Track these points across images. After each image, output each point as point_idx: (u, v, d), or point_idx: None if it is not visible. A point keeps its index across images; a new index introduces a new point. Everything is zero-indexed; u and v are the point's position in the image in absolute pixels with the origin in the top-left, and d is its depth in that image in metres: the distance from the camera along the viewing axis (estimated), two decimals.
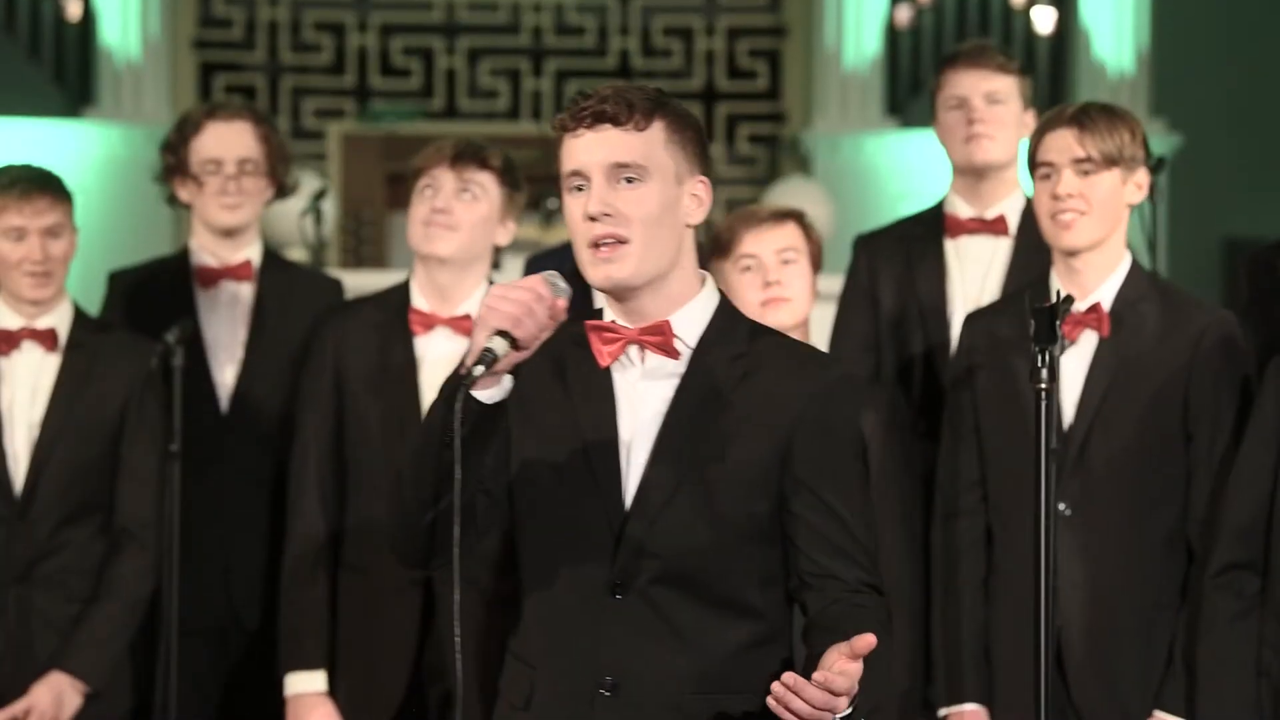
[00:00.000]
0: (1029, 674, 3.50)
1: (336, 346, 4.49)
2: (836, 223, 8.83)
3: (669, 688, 3.00)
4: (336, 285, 4.99)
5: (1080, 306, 4.17)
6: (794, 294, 4.33)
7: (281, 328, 4.84)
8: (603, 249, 3.00)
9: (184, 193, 4.91)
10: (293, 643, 4.46)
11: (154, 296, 4.88)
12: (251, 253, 4.92)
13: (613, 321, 3.06)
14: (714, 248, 4.41)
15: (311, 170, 8.92)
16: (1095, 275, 4.20)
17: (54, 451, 4.54)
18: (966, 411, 4.29)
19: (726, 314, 3.10)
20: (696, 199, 3.07)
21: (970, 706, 4.25)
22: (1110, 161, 4.14)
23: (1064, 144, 4.16)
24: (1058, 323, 3.60)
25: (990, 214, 4.81)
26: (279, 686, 4.51)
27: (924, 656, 4.38)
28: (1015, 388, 4.14)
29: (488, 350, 2.88)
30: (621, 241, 3.00)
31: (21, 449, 4.55)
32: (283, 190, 4.96)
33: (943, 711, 4.29)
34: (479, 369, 2.87)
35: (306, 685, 4.45)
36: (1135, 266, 4.24)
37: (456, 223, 4.41)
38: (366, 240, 10.61)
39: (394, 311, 4.48)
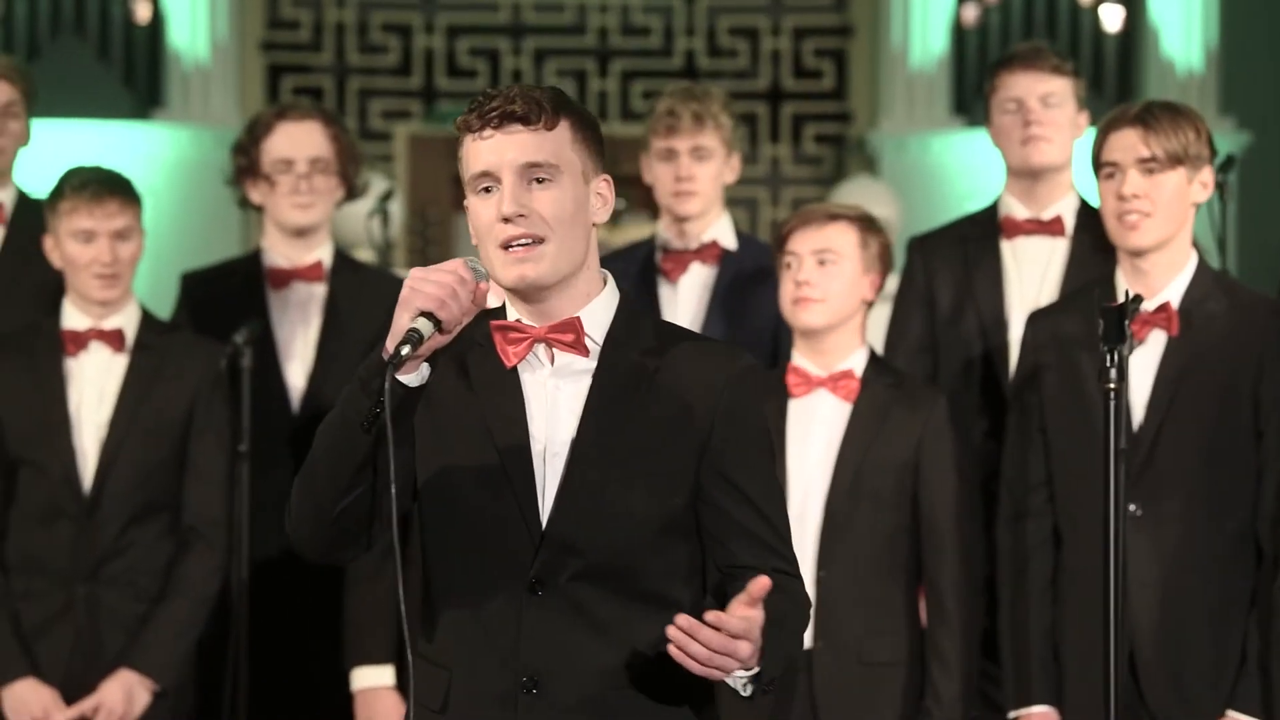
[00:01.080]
0: (1099, 674, 3.49)
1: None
2: (903, 223, 8.80)
3: (592, 684, 2.97)
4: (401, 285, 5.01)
5: (1149, 306, 4.15)
6: (826, 294, 4.32)
7: (352, 329, 4.85)
8: (517, 249, 2.98)
9: (255, 194, 4.93)
10: (358, 637, 4.48)
11: (225, 297, 4.91)
12: (323, 254, 4.94)
13: (518, 320, 3.04)
14: (774, 243, 4.44)
15: (378, 171, 8.95)
16: (1162, 275, 4.18)
17: (121, 451, 4.57)
18: (1033, 411, 4.27)
19: (629, 312, 3.09)
20: (601, 197, 3.06)
21: (1040, 708, 4.23)
22: (1175, 160, 4.12)
23: (1128, 143, 4.14)
24: (1127, 322, 3.59)
25: (1046, 215, 4.79)
26: (345, 682, 4.54)
27: (980, 661, 4.38)
28: (1082, 387, 4.12)
29: (413, 330, 2.85)
30: (538, 241, 2.98)
31: (90, 449, 4.58)
32: (353, 191, 4.97)
33: (1012, 714, 4.27)
34: (405, 349, 2.84)
35: (374, 680, 4.48)
36: (1202, 265, 4.22)
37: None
38: (433, 241, 10.64)
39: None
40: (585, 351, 3.03)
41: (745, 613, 2.81)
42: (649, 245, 5.09)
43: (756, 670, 2.87)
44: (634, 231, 7.18)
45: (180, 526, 4.61)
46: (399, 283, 4.91)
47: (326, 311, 4.89)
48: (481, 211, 3.00)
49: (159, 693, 4.55)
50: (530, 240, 2.98)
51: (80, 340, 4.61)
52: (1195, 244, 4.25)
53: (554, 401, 3.02)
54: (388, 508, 2.92)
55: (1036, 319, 4.37)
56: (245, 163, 4.91)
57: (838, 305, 4.33)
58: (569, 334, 3.02)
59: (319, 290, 4.91)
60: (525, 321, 3.03)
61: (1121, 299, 3.80)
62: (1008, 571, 4.28)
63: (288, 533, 3.03)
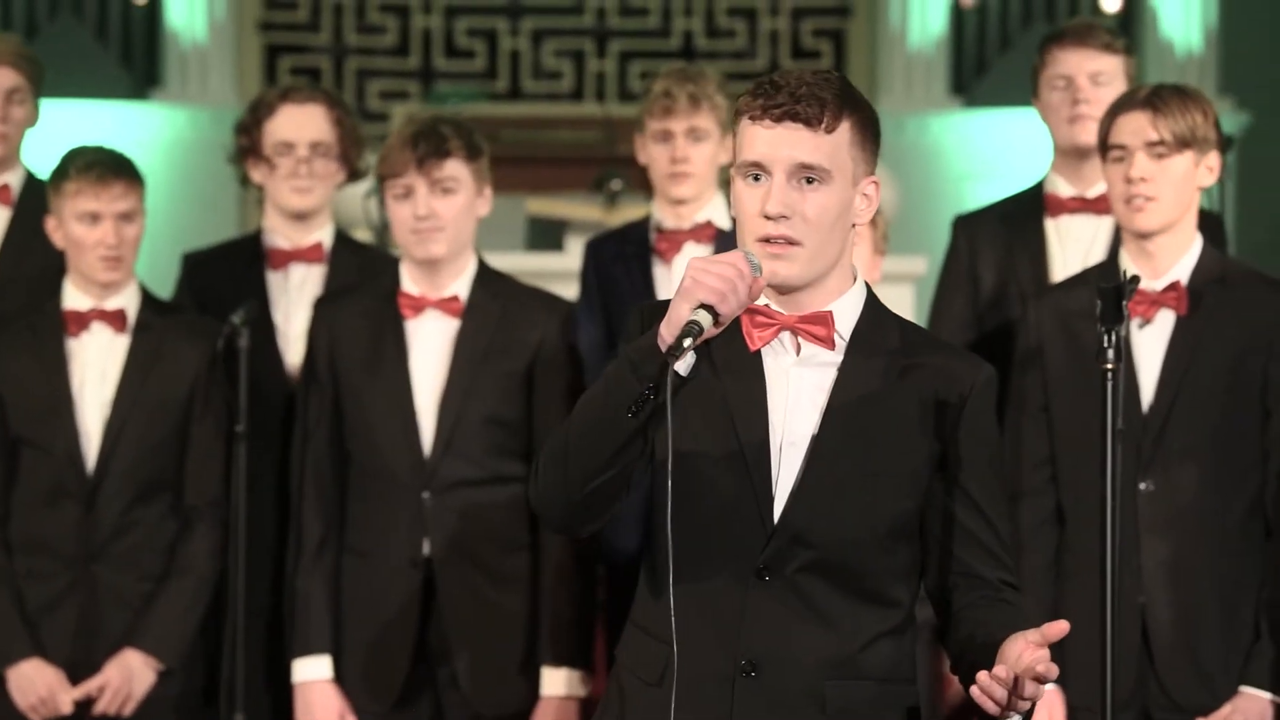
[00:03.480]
0: (1101, 653, 3.51)
1: (330, 334, 4.52)
2: (901, 203, 8.80)
3: (810, 673, 2.99)
4: (396, 261, 5.01)
5: (1157, 285, 4.17)
6: None
7: None
8: (773, 245, 2.97)
9: (256, 174, 4.93)
10: (298, 629, 4.49)
11: (226, 278, 4.91)
12: (323, 235, 4.94)
13: (767, 305, 3.03)
14: None
15: (376, 152, 8.94)
16: (1168, 256, 4.20)
17: (124, 431, 4.58)
18: (1034, 390, 4.29)
19: (876, 308, 3.09)
20: (867, 199, 3.04)
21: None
22: (1183, 144, 4.13)
23: (1137, 126, 4.16)
24: (1124, 302, 3.60)
25: (1092, 193, 4.77)
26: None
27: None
28: (1086, 366, 4.13)
29: (693, 323, 2.84)
30: (793, 243, 2.97)
31: (93, 429, 4.59)
32: (355, 174, 4.98)
33: None
34: (687, 340, 2.83)
35: (311, 672, 4.47)
36: (1207, 246, 4.24)
37: (443, 222, 4.43)
38: None
39: (384, 296, 4.51)
40: (833, 345, 3.02)
41: (1034, 656, 2.83)
42: (644, 225, 5.10)
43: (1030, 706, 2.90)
44: (631, 211, 7.18)
45: (182, 506, 4.62)
46: (396, 262, 4.95)
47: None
48: (746, 200, 2.99)
49: (164, 671, 4.57)
50: (786, 241, 2.97)
51: (82, 321, 4.62)
52: (1204, 223, 4.27)
53: (797, 391, 3.02)
54: (644, 490, 2.94)
55: (1041, 298, 4.38)
56: (247, 143, 4.91)
57: None
58: (820, 327, 3.01)
59: (318, 271, 4.92)
60: (774, 308, 3.02)
61: (1121, 279, 3.81)
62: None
63: (530, 500, 3.05)
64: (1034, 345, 4.32)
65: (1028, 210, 4.85)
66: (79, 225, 4.57)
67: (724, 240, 5.00)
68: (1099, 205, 4.75)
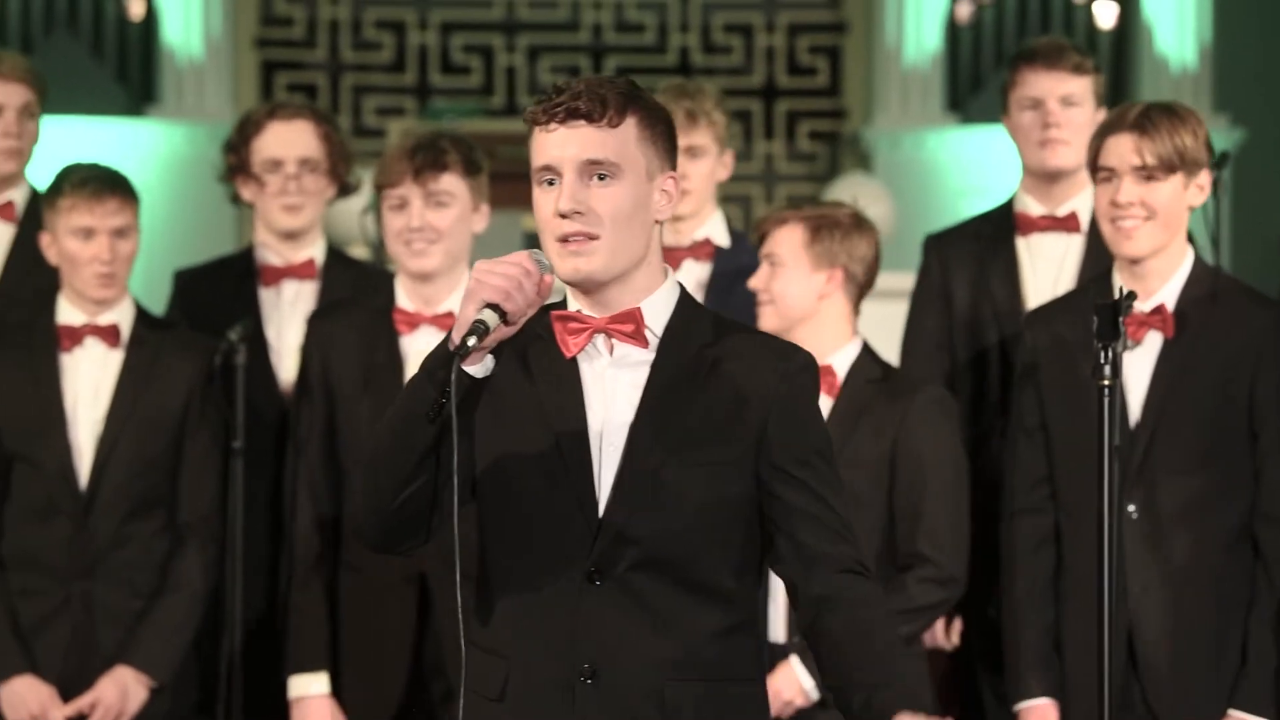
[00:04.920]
0: (1096, 672, 3.50)
1: (323, 349, 4.52)
2: (897, 219, 8.81)
3: (649, 674, 2.99)
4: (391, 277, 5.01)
5: (1144, 307, 4.15)
6: (777, 298, 4.34)
7: None
8: (572, 243, 3.00)
9: (246, 192, 4.93)
10: (294, 645, 4.49)
11: (218, 294, 4.91)
12: (315, 251, 4.94)
13: (578, 311, 3.06)
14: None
15: (373, 168, 8.94)
16: (1157, 278, 4.18)
17: (117, 447, 4.57)
18: (1031, 409, 4.28)
19: (689, 305, 3.11)
20: (666, 194, 3.07)
21: (1039, 701, 4.24)
22: (1171, 168, 4.11)
23: (1124, 150, 4.13)
24: (1121, 319, 3.59)
25: (1062, 211, 4.77)
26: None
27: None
28: (1081, 384, 4.12)
29: (479, 322, 2.87)
30: (591, 238, 3.00)
31: (86, 445, 4.58)
32: (345, 189, 4.97)
33: (1014, 707, 4.29)
34: (472, 340, 2.86)
35: (307, 688, 4.46)
36: (1198, 263, 4.22)
37: (436, 235, 4.44)
38: None
39: (378, 312, 4.51)
40: (645, 343, 3.05)
41: None
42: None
43: None
44: None
45: (175, 522, 4.61)
46: (387, 276, 4.95)
47: None
48: (543, 204, 3.03)
49: (156, 689, 4.56)
50: (584, 236, 3.00)
51: (76, 336, 4.62)
52: (1191, 240, 4.26)
53: (612, 391, 3.04)
54: (448, 500, 2.94)
55: (1034, 317, 4.37)
56: (235, 161, 4.91)
57: (792, 308, 4.35)
58: (629, 325, 3.04)
59: (310, 288, 4.91)
60: (586, 313, 3.05)
61: (1117, 296, 3.79)
62: (1009, 567, 4.29)
63: (354, 530, 3.05)
64: (1030, 363, 4.30)
65: (999, 229, 4.84)
66: (73, 241, 4.57)
67: (722, 258, 5.00)
68: (1069, 224, 4.75)
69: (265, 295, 4.91)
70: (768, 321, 4.35)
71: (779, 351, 3.09)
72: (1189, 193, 4.15)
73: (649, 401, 3.03)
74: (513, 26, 10.97)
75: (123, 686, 4.53)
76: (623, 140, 3.02)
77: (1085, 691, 4.09)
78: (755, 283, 4.39)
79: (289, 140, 4.87)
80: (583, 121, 3.01)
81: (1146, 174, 4.12)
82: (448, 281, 4.50)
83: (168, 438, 4.61)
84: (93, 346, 4.63)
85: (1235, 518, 4.14)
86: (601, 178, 3.01)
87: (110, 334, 4.62)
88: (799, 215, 4.39)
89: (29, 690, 4.51)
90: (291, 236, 4.90)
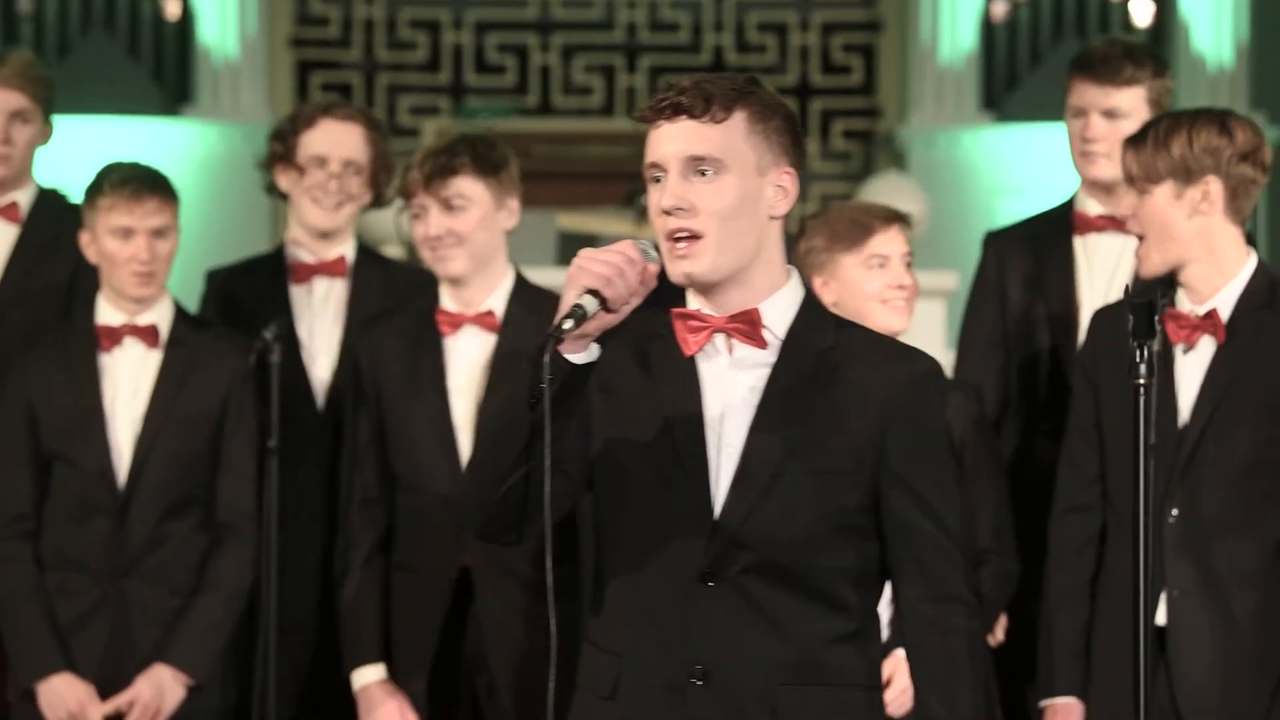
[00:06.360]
0: (1128, 673, 3.48)
1: (371, 355, 4.54)
2: (931, 218, 8.79)
3: (761, 678, 2.97)
4: (431, 279, 5.01)
5: (1199, 311, 4.12)
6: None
7: None
8: (679, 244, 2.98)
9: (284, 180, 4.93)
10: (353, 643, 4.52)
11: (249, 293, 4.92)
12: (346, 249, 4.95)
13: (698, 310, 3.04)
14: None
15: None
16: (1205, 284, 4.12)
17: (156, 447, 4.59)
18: (1087, 406, 4.25)
19: (813, 307, 3.08)
20: (781, 190, 3.03)
21: (1064, 699, 4.23)
22: (1153, 179, 4.10)
23: (1125, 161, 4.15)
24: (1156, 318, 3.57)
25: (1120, 212, 4.74)
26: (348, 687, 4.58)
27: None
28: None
29: (577, 306, 2.85)
30: (695, 236, 2.98)
31: (124, 444, 4.60)
32: (379, 200, 4.97)
33: (1040, 703, 4.28)
34: (568, 323, 2.84)
35: (368, 677, 4.50)
36: (1261, 268, 4.16)
37: (456, 239, 4.45)
38: None
39: (424, 314, 4.53)
40: (763, 344, 3.02)
41: None
42: None
43: None
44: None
45: (213, 522, 4.63)
46: (423, 275, 4.98)
47: (350, 306, 4.90)
48: (651, 201, 3.02)
49: (193, 688, 4.57)
50: (688, 235, 2.97)
51: (115, 336, 4.63)
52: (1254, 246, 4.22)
53: (730, 392, 3.01)
54: (556, 491, 2.91)
55: (1100, 316, 4.33)
56: (280, 149, 4.92)
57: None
58: (747, 325, 3.01)
59: (341, 286, 4.92)
60: (705, 311, 3.03)
61: (1177, 300, 3.78)
62: (1052, 564, 4.27)
63: (467, 522, 3.04)
64: (1089, 362, 4.28)
65: (1057, 228, 4.81)
66: (112, 240, 4.58)
67: None
68: (1126, 225, 4.72)
69: (296, 293, 4.92)
70: None
71: (902, 357, 3.05)
72: (1185, 203, 4.10)
73: (767, 405, 3.00)
74: (547, 26, 10.97)
75: (160, 685, 4.54)
76: (729, 135, 2.99)
77: (1111, 693, 4.07)
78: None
79: (339, 140, 4.88)
80: (685, 117, 2.99)
81: (1139, 187, 4.10)
82: (485, 281, 4.51)
83: (206, 437, 4.62)
84: (131, 347, 4.64)
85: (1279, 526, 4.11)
86: (704, 173, 2.98)
87: (149, 334, 4.64)
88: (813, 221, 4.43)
89: (67, 688, 4.53)
90: (324, 235, 4.91)
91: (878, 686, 3.08)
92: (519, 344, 4.44)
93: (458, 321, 4.50)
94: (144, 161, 4.71)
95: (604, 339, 2.91)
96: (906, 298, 4.35)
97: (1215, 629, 4.09)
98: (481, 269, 4.50)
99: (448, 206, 4.45)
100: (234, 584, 4.60)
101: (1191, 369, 4.13)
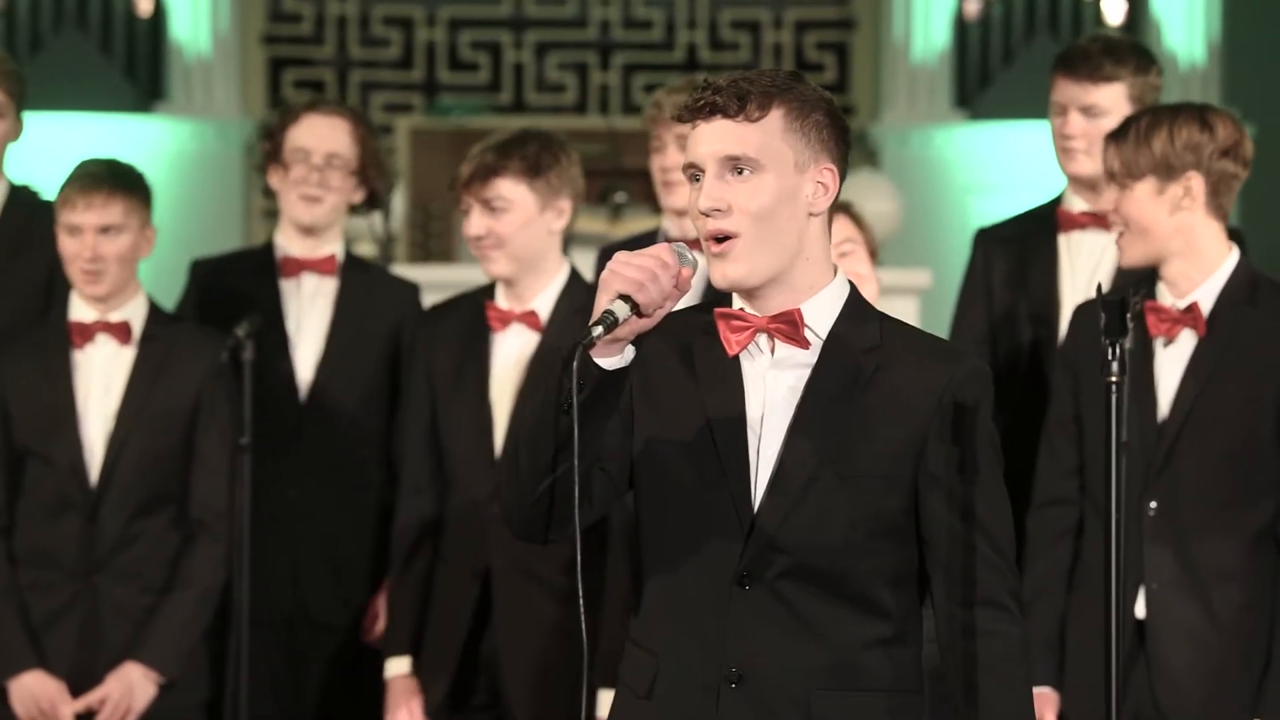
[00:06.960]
0: (1099, 666, 3.49)
1: (427, 347, 4.58)
2: (904, 216, 8.80)
3: (796, 681, 2.95)
4: (414, 290, 5.02)
5: (1180, 305, 4.13)
6: None
7: (361, 329, 4.87)
8: (717, 246, 2.95)
9: (274, 178, 4.93)
10: (389, 631, 4.60)
11: (236, 285, 4.92)
12: (336, 248, 4.95)
13: (741, 309, 3.01)
14: None
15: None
16: (1185, 279, 4.14)
17: (128, 444, 4.58)
18: (1067, 400, 4.26)
19: (857, 305, 3.03)
20: (821, 186, 2.98)
21: (1039, 689, 4.23)
22: (1133, 175, 4.12)
23: (1105, 157, 4.17)
24: (1128, 316, 3.58)
25: (1103, 209, 4.75)
26: (350, 680, 4.63)
27: None
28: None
29: (608, 312, 2.82)
30: (733, 237, 2.94)
31: (96, 441, 4.59)
32: (374, 200, 4.95)
33: None
34: (598, 330, 2.81)
35: (392, 669, 4.56)
36: (1242, 263, 4.17)
37: (497, 240, 4.45)
38: (435, 234, 10.64)
39: (477, 309, 4.55)
40: (805, 344, 2.98)
41: None
42: (654, 237, 5.10)
43: None
44: (635, 224, 7.17)
45: (186, 519, 4.62)
46: (407, 286, 4.98)
47: (337, 307, 4.89)
48: (690, 202, 2.99)
49: (164, 685, 4.56)
50: (726, 235, 2.94)
51: (87, 333, 4.62)
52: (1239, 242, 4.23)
53: (772, 392, 2.98)
54: (595, 490, 2.92)
55: (1080, 312, 4.34)
56: (270, 148, 4.93)
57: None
58: (788, 325, 2.97)
59: (330, 284, 4.92)
60: (748, 310, 3.00)
61: (1158, 293, 3.77)
62: (1029, 555, 4.28)
63: (504, 519, 3.03)
64: (1070, 354, 4.29)
65: (1042, 225, 4.81)
66: (63, 236, 4.58)
67: None
68: (1109, 221, 4.73)
69: (286, 286, 4.92)
70: None
71: (946, 357, 3.01)
72: (1168, 198, 4.12)
73: (804, 409, 2.96)
74: (520, 23, 10.97)
75: (130, 683, 4.53)
76: (765, 133, 2.95)
77: (1084, 683, 4.08)
78: None
79: (322, 134, 4.88)
80: (721, 116, 2.95)
81: (1120, 182, 4.12)
82: (534, 281, 4.51)
83: (178, 434, 4.61)
84: (104, 344, 4.63)
85: (1260, 520, 4.11)
86: (740, 172, 2.95)
87: (121, 331, 4.63)
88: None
89: (38, 685, 4.52)
90: (309, 232, 4.90)
91: (918, 690, 3.02)
92: (560, 343, 4.44)
93: (506, 319, 4.51)
94: (116, 158, 4.69)
95: (646, 336, 2.89)
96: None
97: (1195, 622, 4.10)
98: (529, 269, 4.50)
99: (489, 208, 4.46)
100: (206, 581, 4.59)
101: (1172, 363, 4.14)
